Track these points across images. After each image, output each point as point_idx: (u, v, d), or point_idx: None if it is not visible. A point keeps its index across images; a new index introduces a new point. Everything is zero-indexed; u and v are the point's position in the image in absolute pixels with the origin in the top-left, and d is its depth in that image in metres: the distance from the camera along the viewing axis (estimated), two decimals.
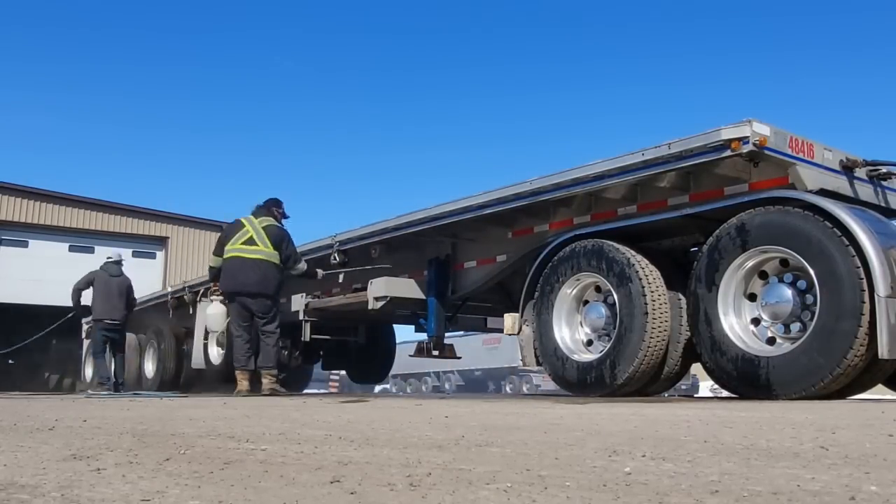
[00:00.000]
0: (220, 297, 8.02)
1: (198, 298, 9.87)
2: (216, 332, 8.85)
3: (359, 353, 10.61)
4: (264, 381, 7.12)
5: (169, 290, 11.80)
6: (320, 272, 7.79)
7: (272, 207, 7.57)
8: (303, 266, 7.52)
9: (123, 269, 10.52)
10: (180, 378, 11.21)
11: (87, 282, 10.28)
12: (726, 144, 4.33)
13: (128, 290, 10.37)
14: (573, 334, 5.38)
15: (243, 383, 7.12)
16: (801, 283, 4.20)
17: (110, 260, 10.59)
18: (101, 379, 10.20)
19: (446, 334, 7.66)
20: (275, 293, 7.27)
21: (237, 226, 7.31)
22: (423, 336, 7.83)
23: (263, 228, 7.21)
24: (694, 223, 4.97)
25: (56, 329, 12.95)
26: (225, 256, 7.20)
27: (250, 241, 7.14)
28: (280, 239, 7.25)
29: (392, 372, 13.77)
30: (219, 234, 8.32)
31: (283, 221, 7.64)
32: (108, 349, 10.28)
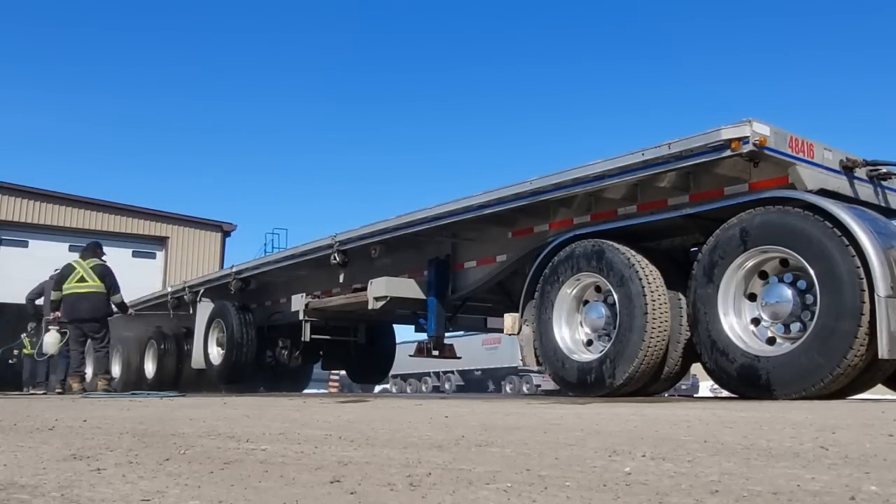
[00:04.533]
0: (57, 327, 9.87)
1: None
2: (50, 354, 10.71)
3: (359, 353, 10.60)
4: (100, 383, 8.97)
5: (169, 290, 11.80)
6: (132, 311, 10.42)
7: (96, 250, 9.65)
8: (119, 298, 9.47)
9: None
10: (180, 378, 11.21)
11: (39, 292, 11.49)
12: (726, 144, 4.33)
13: None
14: (573, 334, 5.38)
15: (75, 385, 9.08)
16: (801, 283, 4.20)
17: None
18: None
19: (446, 334, 7.66)
20: (102, 317, 9.17)
21: (69, 268, 9.27)
22: (423, 336, 7.84)
23: (91, 268, 9.15)
24: (694, 223, 4.97)
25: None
26: (65, 294, 9.14)
27: (82, 279, 9.08)
28: (104, 274, 9.20)
29: (392, 372, 13.76)
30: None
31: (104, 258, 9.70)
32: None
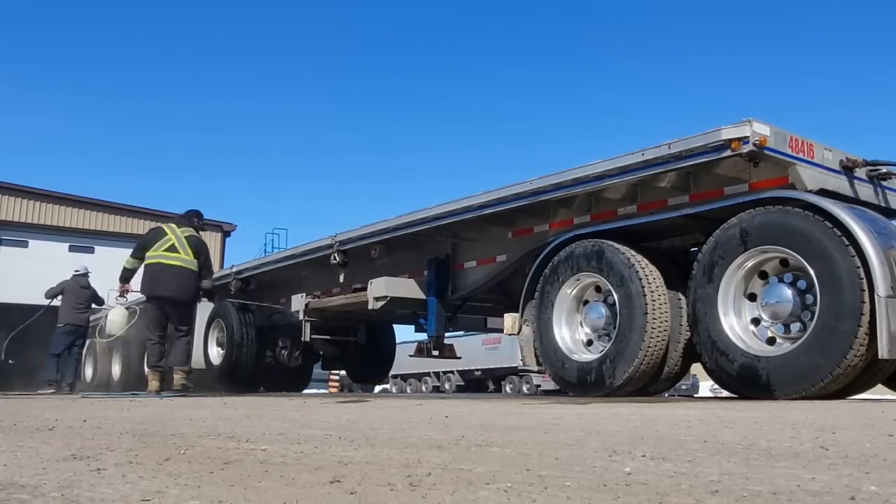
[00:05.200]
0: (124, 302, 8.32)
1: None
2: (112, 336, 8.98)
3: (359, 353, 10.61)
4: (175, 377, 7.48)
5: None
6: (216, 296, 8.85)
7: (193, 218, 8.06)
8: (210, 282, 7.95)
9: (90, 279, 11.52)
10: None
11: (59, 291, 11.31)
12: (726, 144, 4.33)
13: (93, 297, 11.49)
14: (573, 334, 5.38)
15: (154, 383, 7.41)
16: (801, 283, 4.20)
17: (78, 273, 11.51)
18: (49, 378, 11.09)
19: (446, 334, 7.66)
20: (191, 299, 7.63)
21: (159, 233, 7.58)
22: (423, 336, 7.84)
23: (185, 238, 7.55)
24: (694, 223, 4.97)
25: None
26: (147, 262, 7.46)
27: (172, 249, 7.43)
28: (200, 249, 7.63)
29: (392, 372, 13.76)
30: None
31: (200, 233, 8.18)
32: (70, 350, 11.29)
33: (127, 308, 8.35)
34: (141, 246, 7.63)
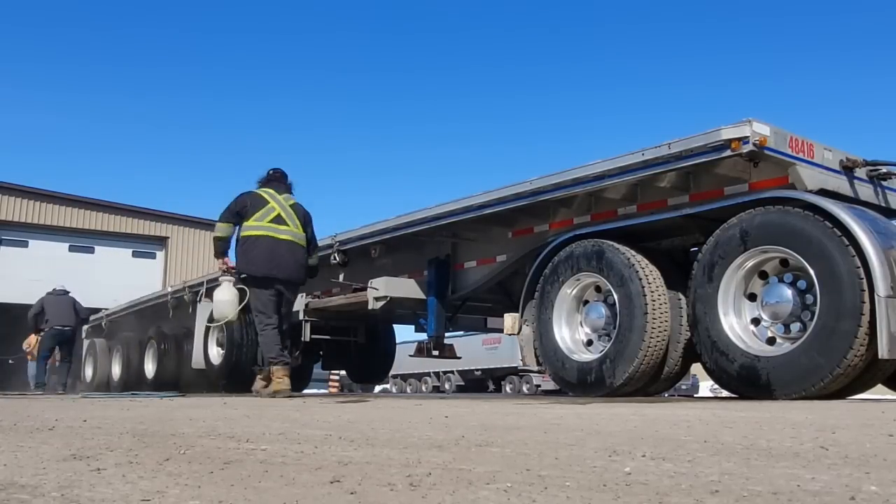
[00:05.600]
0: (231, 280, 6.93)
1: (198, 298, 10.02)
2: (227, 319, 7.15)
3: (359, 353, 10.61)
4: (279, 378, 6.36)
5: (169, 290, 11.80)
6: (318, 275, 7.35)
7: (285, 181, 6.70)
8: (316, 259, 6.83)
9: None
10: (180, 378, 11.21)
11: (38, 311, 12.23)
12: (726, 144, 4.33)
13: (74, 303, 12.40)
14: (573, 334, 5.38)
15: (286, 380, 6.27)
16: (801, 283, 4.20)
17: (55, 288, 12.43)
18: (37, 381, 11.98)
19: (446, 334, 7.66)
20: (303, 281, 6.69)
21: (258, 199, 6.35)
22: (423, 336, 7.84)
23: (291, 206, 6.45)
24: (694, 223, 4.97)
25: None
26: (250, 233, 6.29)
27: (279, 220, 6.32)
28: (308, 220, 6.57)
29: (392, 372, 13.77)
30: None
31: None
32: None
33: (235, 286, 6.83)
34: (235, 212, 6.37)
